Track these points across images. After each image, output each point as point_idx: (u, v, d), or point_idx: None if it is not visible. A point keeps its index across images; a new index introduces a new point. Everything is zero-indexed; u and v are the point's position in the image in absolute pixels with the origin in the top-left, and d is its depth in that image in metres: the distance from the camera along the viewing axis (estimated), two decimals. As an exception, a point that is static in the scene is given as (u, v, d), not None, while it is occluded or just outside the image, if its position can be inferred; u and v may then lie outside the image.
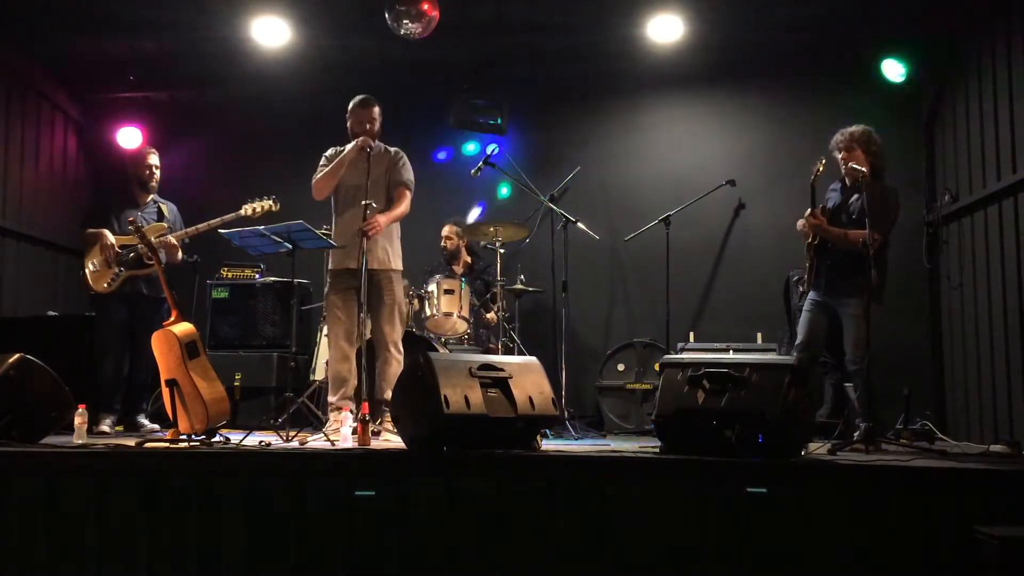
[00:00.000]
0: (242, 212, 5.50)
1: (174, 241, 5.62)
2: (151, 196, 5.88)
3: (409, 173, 5.18)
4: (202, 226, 5.65)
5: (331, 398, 4.94)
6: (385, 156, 5.16)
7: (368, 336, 5.07)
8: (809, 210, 4.94)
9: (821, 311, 5.02)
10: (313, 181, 5.09)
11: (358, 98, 5.10)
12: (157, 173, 5.88)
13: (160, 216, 5.81)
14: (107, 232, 5.61)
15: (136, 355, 5.68)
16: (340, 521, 3.57)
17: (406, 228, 5.30)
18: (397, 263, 5.15)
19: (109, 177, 7.18)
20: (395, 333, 5.05)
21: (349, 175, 5.03)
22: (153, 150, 6.00)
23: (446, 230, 6.73)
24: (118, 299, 5.62)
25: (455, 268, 6.70)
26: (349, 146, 5.01)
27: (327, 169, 5.04)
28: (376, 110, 5.07)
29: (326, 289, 5.14)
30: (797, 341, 5.09)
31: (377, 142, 5.09)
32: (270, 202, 5.53)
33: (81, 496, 3.64)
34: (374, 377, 5.02)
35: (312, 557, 3.58)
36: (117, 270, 5.56)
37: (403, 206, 5.09)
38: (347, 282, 5.00)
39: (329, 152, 5.17)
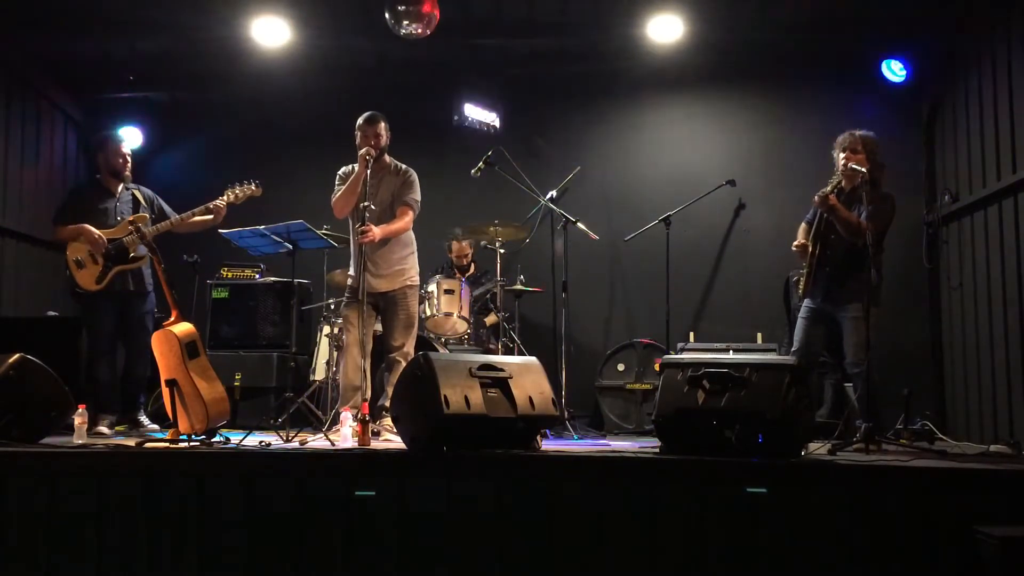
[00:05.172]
0: (224, 199, 5.38)
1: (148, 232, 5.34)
2: (123, 185, 5.71)
3: (415, 192, 5.18)
4: (175, 219, 5.50)
5: (341, 408, 4.93)
6: (393, 177, 5.17)
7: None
8: (820, 194, 4.84)
9: (818, 318, 5.00)
10: (332, 202, 5.12)
11: (365, 115, 5.11)
12: (130, 162, 5.74)
13: (136, 206, 5.65)
14: (89, 227, 5.41)
15: (130, 351, 5.62)
16: (340, 521, 3.57)
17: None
18: (413, 278, 5.20)
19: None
20: (408, 345, 5.08)
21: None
22: (123, 138, 5.89)
23: (460, 246, 6.66)
24: (107, 297, 5.47)
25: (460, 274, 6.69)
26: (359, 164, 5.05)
27: (344, 188, 5.06)
28: (382, 126, 5.07)
29: (343, 303, 5.21)
30: (793, 349, 5.07)
31: (389, 158, 5.15)
32: (252, 187, 5.41)
33: (81, 496, 3.64)
34: (374, 382, 5.03)
35: (312, 557, 3.58)
36: (105, 265, 5.41)
37: (402, 223, 5.11)
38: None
39: (342, 172, 5.19)
